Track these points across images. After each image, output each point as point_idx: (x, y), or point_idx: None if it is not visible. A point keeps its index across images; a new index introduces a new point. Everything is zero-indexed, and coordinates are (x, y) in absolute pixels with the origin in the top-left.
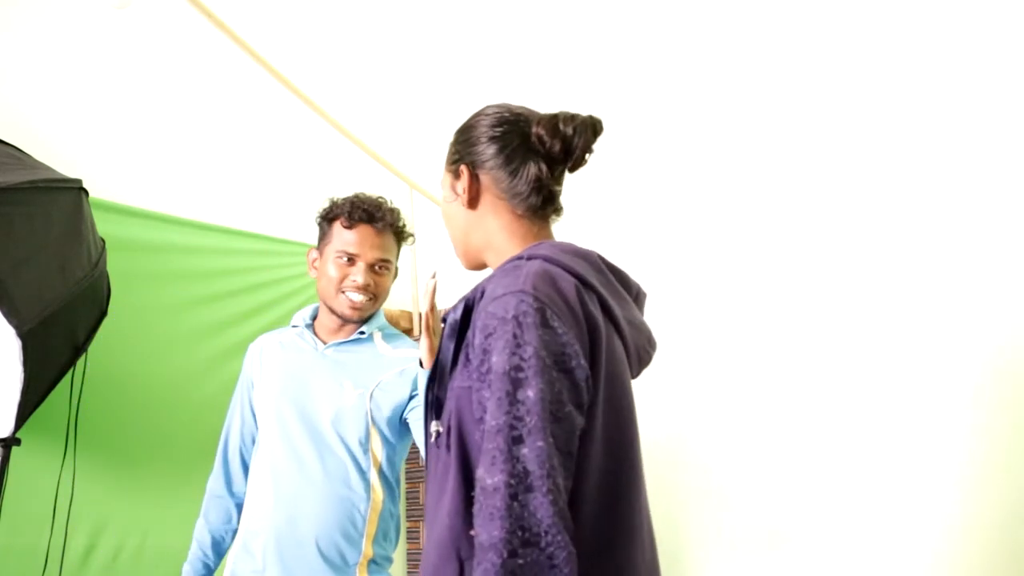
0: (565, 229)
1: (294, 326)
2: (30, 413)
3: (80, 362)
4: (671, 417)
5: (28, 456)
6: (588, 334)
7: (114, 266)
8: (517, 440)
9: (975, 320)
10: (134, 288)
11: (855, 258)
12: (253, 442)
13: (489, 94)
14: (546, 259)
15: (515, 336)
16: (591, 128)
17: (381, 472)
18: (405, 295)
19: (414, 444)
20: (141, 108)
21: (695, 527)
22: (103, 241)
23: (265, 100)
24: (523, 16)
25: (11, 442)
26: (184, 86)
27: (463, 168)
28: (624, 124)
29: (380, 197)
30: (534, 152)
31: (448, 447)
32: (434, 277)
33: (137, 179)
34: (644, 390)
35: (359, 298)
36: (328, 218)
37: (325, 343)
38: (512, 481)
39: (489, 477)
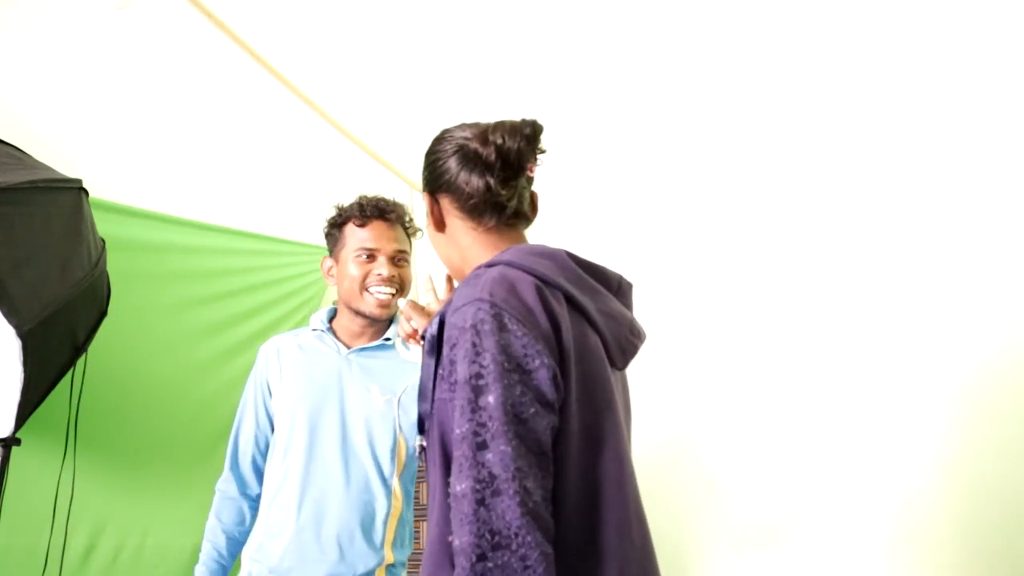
0: (565, 231)
1: (313, 329)
2: (30, 413)
3: (80, 362)
4: (670, 416)
5: (28, 456)
6: (552, 332)
7: (114, 266)
8: (481, 446)
9: (975, 319)
10: (134, 288)
11: (853, 257)
12: (266, 444)
13: (489, 94)
14: (508, 264)
15: (474, 344)
16: (521, 133)
17: (403, 479)
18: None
19: None
20: (141, 108)
21: (696, 525)
22: (103, 241)
23: (265, 100)
24: (522, 16)
25: (11, 442)
26: (184, 86)
27: (426, 196)
28: (628, 123)
29: (384, 196)
30: (478, 168)
31: (435, 458)
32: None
33: (137, 179)
34: (643, 389)
35: (386, 292)
36: (338, 223)
37: (348, 347)
38: (478, 487)
39: (457, 484)
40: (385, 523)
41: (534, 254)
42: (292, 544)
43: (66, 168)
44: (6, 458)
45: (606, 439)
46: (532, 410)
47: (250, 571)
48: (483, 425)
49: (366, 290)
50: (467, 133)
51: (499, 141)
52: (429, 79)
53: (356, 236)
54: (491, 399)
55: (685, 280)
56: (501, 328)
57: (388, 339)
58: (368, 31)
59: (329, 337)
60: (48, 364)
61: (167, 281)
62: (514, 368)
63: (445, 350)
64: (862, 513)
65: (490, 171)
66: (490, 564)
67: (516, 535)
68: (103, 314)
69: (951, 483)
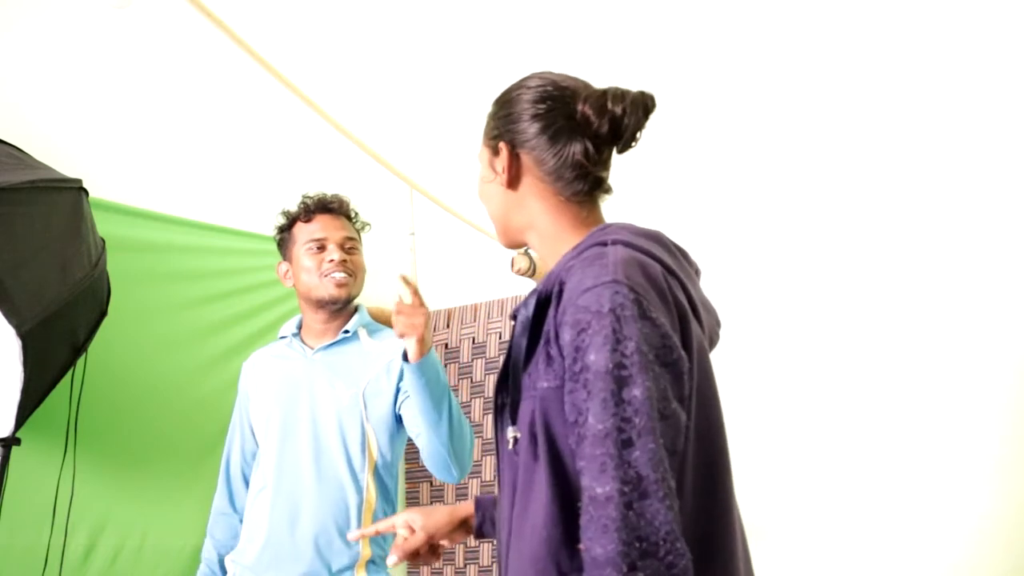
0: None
1: (282, 337)
2: (30, 413)
3: (80, 362)
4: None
5: (28, 456)
6: (679, 322)
7: (114, 266)
8: (627, 443)
9: (991, 323)
10: (134, 288)
11: (878, 257)
12: (254, 457)
13: (489, 94)
14: (627, 244)
15: (614, 331)
16: (643, 106)
17: (376, 472)
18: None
19: (411, 443)
20: (141, 108)
21: None
22: (103, 241)
23: (265, 100)
24: (524, 13)
25: (11, 442)
26: (184, 86)
27: (503, 146)
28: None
29: (325, 192)
30: (580, 132)
31: (534, 453)
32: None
33: (137, 179)
34: None
35: (341, 274)
36: (286, 227)
37: (313, 348)
38: (626, 488)
39: (599, 486)
40: (358, 517)
41: (643, 236)
42: (268, 544)
43: (66, 168)
44: (6, 458)
45: (716, 435)
46: (673, 406)
47: (234, 574)
48: (628, 420)
49: (324, 276)
50: (566, 87)
51: (618, 112)
52: (428, 79)
53: (305, 231)
54: (637, 392)
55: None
56: (643, 315)
57: (347, 331)
58: (368, 31)
59: (296, 342)
60: (48, 364)
61: (167, 281)
62: (656, 359)
63: (568, 335)
64: (867, 518)
65: (596, 142)
66: (640, 575)
67: (664, 541)
68: (103, 314)
69: (950, 487)
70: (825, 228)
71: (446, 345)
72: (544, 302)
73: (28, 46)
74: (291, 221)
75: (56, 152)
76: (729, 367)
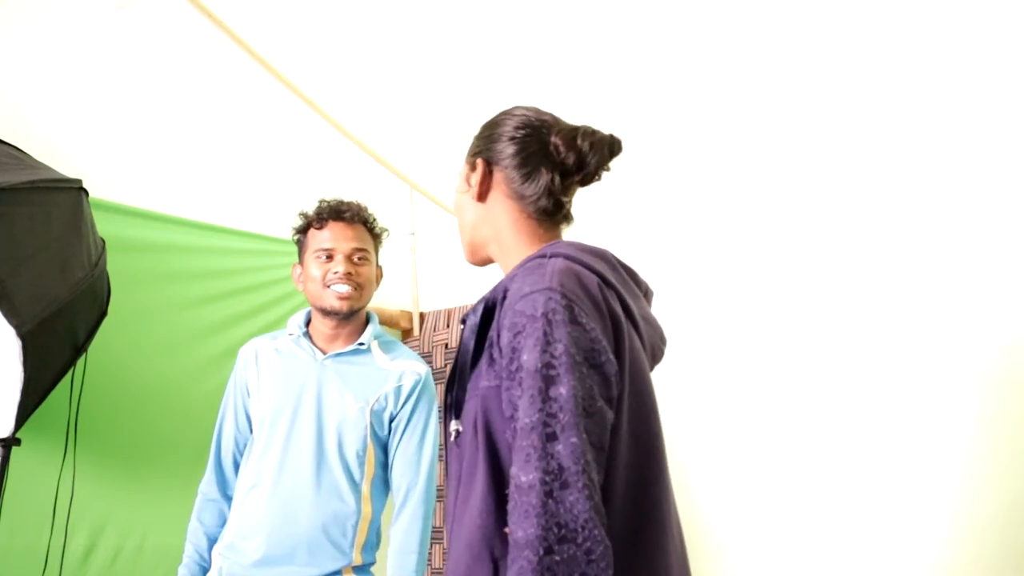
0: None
1: (290, 334)
2: (30, 413)
3: (80, 362)
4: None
5: (28, 456)
6: (612, 330)
7: (114, 266)
8: (551, 437)
9: (977, 327)
10: (134, 288)
11: (857, 264)
12: (247, 445)
13: (489, 95)
14: (567, 257)
15: (545, 334)
16: (608, 147)
17: (373, 484)
18: (405, 295)
19: None
20: (141, 108)
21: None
22: (103, 241)
23: (265, 100)
24: (524, 16)
25: (11, 442)
26: (184, 86)
27: (479, 162)
28: (626, 125)
29: (343, 198)
30: (549, 161)
31: (476, 447)
32: None
33: (137, 179)
34: None
35: (344, 288)
36: (302, 230)
37: (324, 352)
38: (547, 478)
39: (523, 475)
40: (355, 527)
41: (587, 252)
42: (262, 545)
43: (66, 168)
44: (6, 458)
45: (651, 439)
46: (599, 404)
47: (220, 567)
48: (553, 416)
49: (327, 287)
50: (544, 120)
51: (585, 148)
52: (428, 79)
53: (316, 239)
54: (563, 390)
55: (678, 284)
56: (573, 320)
57: (362, 343)
58: (368, 31)
59: (306, 342)
60: (48, 364)
61: (167, 281)
62: (583, 361)
63: (506, 337)
64: (856, 522)
65: (562, 171)
66: (556, 558)
67: (583, 528)
68: (103, 314)
69: (949, 491)
70: (795, 233)
71: (446, 345)
72: (491, 308)
73: (28, 46)
74: (305, 226)
75: (56, 152)
76: (708, 374)
